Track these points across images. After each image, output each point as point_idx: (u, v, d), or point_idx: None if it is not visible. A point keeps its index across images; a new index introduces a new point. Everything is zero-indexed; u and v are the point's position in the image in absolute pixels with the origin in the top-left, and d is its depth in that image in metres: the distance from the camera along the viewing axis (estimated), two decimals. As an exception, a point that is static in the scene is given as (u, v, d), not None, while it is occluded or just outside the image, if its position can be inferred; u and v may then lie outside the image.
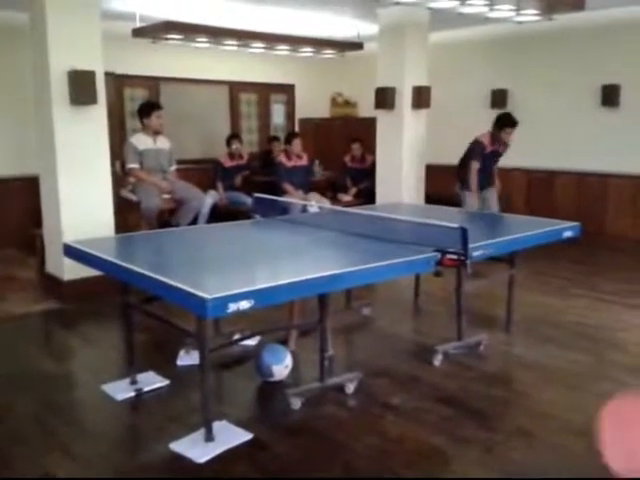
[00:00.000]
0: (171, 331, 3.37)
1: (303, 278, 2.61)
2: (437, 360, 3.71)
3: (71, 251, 3.34)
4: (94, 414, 3.28)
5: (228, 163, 7.60)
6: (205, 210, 6.69)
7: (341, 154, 8.29)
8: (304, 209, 5.82)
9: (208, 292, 2.32)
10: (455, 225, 3.10)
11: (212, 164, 7.65)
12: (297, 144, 7.02)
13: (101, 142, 5.01)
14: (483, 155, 6.01)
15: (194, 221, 5.94)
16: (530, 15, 5.83)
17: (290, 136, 7.35)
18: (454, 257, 3.06)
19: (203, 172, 7.65)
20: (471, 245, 3.07)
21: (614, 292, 5.16)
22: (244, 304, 2.37)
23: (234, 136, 7.82)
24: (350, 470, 2.64)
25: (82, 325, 4.55)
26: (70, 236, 4.28)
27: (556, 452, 2.78)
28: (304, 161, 7.13)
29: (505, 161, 7.86)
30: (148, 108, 5.91)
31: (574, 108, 7.41)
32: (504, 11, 5.60)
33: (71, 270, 4.75)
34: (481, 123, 8.35)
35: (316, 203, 6.35)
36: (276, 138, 8.52)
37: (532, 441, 2.86)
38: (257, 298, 2.41)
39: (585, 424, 3.00)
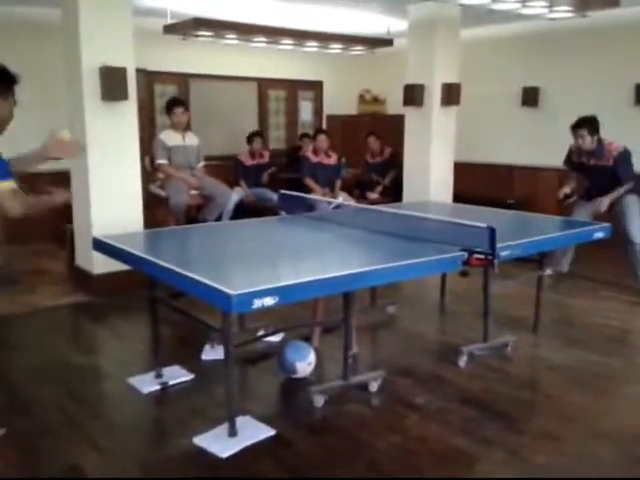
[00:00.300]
0: (197, 326, 3.40)
1: (328, 276, 2.60)
2: (462, 361, 3.68)
3: (100, 245, 3.38)
4: (120, 407, 3.32)
5: (249, 162, 7.61)
6: (230, 207, 6.71)
7: (366, 150, 8.26)
8: (328, 205, 5.80)
9: (233, 288, 2.33)
10: (483, 225, 3.06)
11: (233, 162, 7.66)
12: (322, 140, 6.98)
13: (131, 138, 5.06)
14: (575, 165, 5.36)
15: (218, 217, 5.97)
16: (563, 12, 5.72)
17: (316, 132, 7.34)
18: (481, 257, 3.03)
19: (230, 168, 7.67)
20: (499, 245, 3.04)
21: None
22: (268, 300, 2.37)
23: (255, 134, 7.79)
24: (373, 469, 2.63)
25: (110, 318, 4.61)
26: (99, 230, 4.34)
27: (583, 457, 2.73)
28: (332, 160, 7.07)
29: (537, 160, 7.80)
30: (170, 105, 5.95)
31: (607, 106, 7.23)
32: (537, 7, 5.51)
33: (100, 264, 4.81)
34: (512, 121, 8.31)
35: (343, 200, 6.34)
36: (307, 135, 8.51)
37: (558, 445, 2.81)
38: (282, 295, 2.41)
39: (613, 429, 2.96)
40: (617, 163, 5.05)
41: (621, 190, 5.09)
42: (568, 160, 5.43)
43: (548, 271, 5.04)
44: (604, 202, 5.05)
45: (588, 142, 5.04)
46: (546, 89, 7.87)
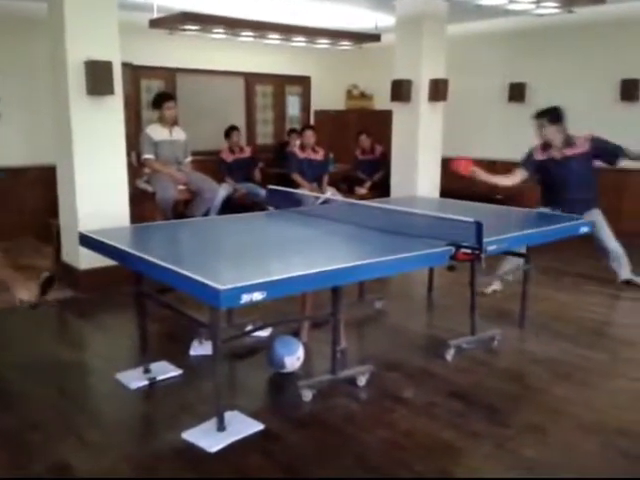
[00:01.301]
0: (185, 321, 3.39)
1: (316, 270, 2.61)
2: (449, 355, 3.70)
3: (86, 240, 3.37)
4: (108, 402, 3.30)
5: (230, 158, 7.59)
6: (217, 202, 6.69)
7: (356, 147, 8.27)
8: (316, 200, 5.81)
9: (221, 283, 2.33)
10: (470, 219, 3.08)
11: (215, 159, 7.62)
12: (309, 135, 6.98)
13: (117, 132, 5.03)
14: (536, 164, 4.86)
15: (206, 213, 5.95)
16: (550, 7, 5.76)
17: (303, 128, 7.34)
18: (468, 251, 3.04)
19: (217, 164, 7.65)
20: (486, 239, 3.06)
21: (629, 288, 5.11)
22: (257, 295, 2.38)
23: (233, 128, 7.73)
24: (361, 463, 2.64)
25: (97, 314, 4.59)
26: (86, 226, 4.31)
27: (568, 449, 2.76)
28: (319, 155, 7.07)
29: (511, 155, 7.84)
30: (159, 99, 5.92)
31: (593, 102, 7.32)
32: (524, 3, 5.55)
33: (87, 259, 4.79)
34: (498, 117, 8.35)
35: (331, 195, 6.35)
36: (294, 130, 8.49)
37: (544, 437, 2.84)
38: (270, 289, 2.42)
39: (598, 421, 2.99)
40: (595, 142, 4.68)
41: (633, 151, 4.66)
42: (527, 160, 4.87)
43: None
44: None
45: (550, 132, 4.66)
46: (532, 85, 7.92)
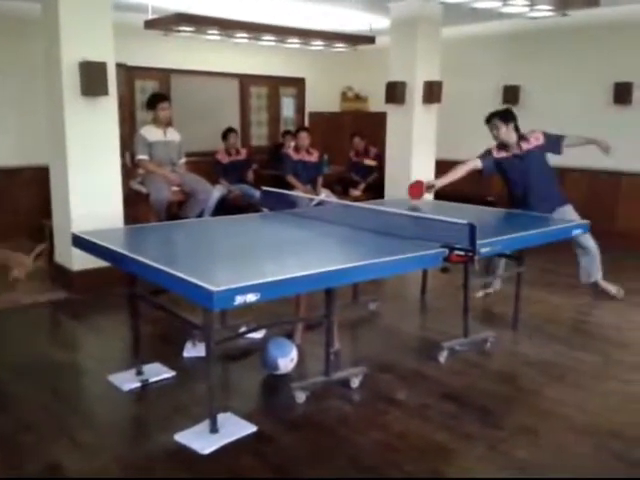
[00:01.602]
0: (178, 323, 3.38)
1: (310, 272, 2.61)
2: (443, 357, 3.71)
3: (80, 241, 3.36)
4: (100, 404, 3.29)
5: (225, 159, 7.58)
6: (211, 203, 6.69)
7: (350, 149, 8.28)
8: (310, 202, 5.81)
9: (215, 284, 2.33)
10: (463, 221, 3.09)
11: (211, 160, 7.62)
12: (303, 137, 7.00)
13: (111, 133, 5.02)
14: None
15: (200, 214, 5.95)
16: (544, 11, 5.79)
17: (298, 129, 7.35)
18: (462, 253, 3.05)
19: (212, 165, 7.65)
20: (479, 241, 3.07)
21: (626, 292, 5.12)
22: (251, 297, 2.38)
23: (230, 130, 7.72)
24: (354, 464, 2.64)
25: (90, 315, 4.57)
26: (79, 227, 4.30)
27: (560, 451, 2.77)
28: (314, 157, 7.09)
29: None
30: (153, 100, 5.91)
31: (586, 105, 7.35)
32: (518, 6, 5.57)
33: (80, 260, 4.77)
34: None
35: (325, 197, 6.35)
36: (289, 132, 8.50)
37: (536, 439, 2.85)
38: (264, 291, 2.42)
39: (590, 423, 3.00)
40: (547, 137, 4.70)
41: (583, 137, 4.83)
42: (487, 156, 4.77)
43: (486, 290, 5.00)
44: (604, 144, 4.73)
45: (503, 132, 4.63)
46: (526, 87, 7.95)
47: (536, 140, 4.70)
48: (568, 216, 4.57)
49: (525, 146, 4.68)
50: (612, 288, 5.02)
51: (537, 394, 3.33)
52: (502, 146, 4.73)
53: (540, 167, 4.71)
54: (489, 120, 4.72)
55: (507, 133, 4.66)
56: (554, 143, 4.72)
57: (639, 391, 3.38)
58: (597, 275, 5.01)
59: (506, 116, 4.69)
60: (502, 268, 4.88)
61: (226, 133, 7.65)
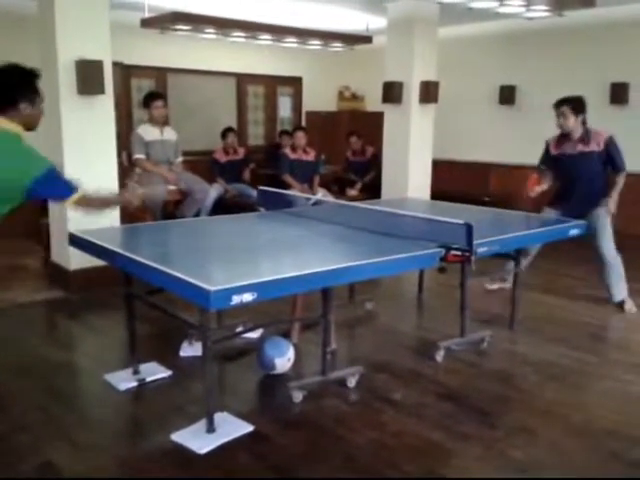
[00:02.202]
0: (175, 322, 3.38)
1: (307, 272, 2.61)
2: (439, 356, 3.71)
3: (76, 240, 3.35)
4: (97, 403, 3.29)
5: (223, 158, 7.59)
6: (208, 203, 6.68)
7: (347, 148, 8.29)
8: (307, 201, 5.80)
9: (212, 284, 2.33)
10: (460, 221, 3.09)
11: (208, 159, 7.62)
12: (300, 137, 7.00)
13: (108, 132, 5.00)
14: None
15: (197, 213, 5.94)
16: (540, 11, 5.80)
17: (295, 129, 7.35)
18: (458, 253, 3.06)
19: (209, 164, 7.64)
20: (476, 241, 3.07)
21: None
22: (247, 296, 2.37)
23: (229, 129, 7.75)
24: (351, 464, 2.64)
25: (86, 315, 4.56)
26: (75, 226, 4.28)
27: (557, 450, 2.77)
28: (310, 156, 7.09)
29: (513, 158, 7.88)
30: (147, 99, 5.90)
31: (584, 105, 7.36)
32: (514, 7, 5.58)
33: (76, 260, 4.76)
34: (489, 119, 8.38)
35: (322, 196, 6.34)
36: (286, 132, 8.49)
37: (533, 439, 2.85)
38: (260, 291, 2.42)
39: (586, 423, 3.01)
40: (610, 147, 4.46)
41: (621, 182, 4.52)
42: (545, 156, 4.76)
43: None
44: (613, 203, 4.51)
45: (571, 122, 4.45)
46: (522, 87, 7.97)
47: (597, 145, 4.50)
48: (599, 220, 4.50)
49: (581, 147, 4.53)
50: (629, 303, 4.70)
51: (534, 394, 3.33)
52: (560, 139, 4.59)
53: (589, 171, 4.55)
54: (559, 105, 4.52)
55: (575, 125, 4.49)
56: (614, 165, 4.54)
57: (637, 391, 3.39)
58: (619, 294, 4.67)
59: (579, 107, 4.49)
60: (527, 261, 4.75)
61: (225, 132, 7.65)
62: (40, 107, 2.83)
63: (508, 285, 4.82)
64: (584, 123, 4.53)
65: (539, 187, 4.63)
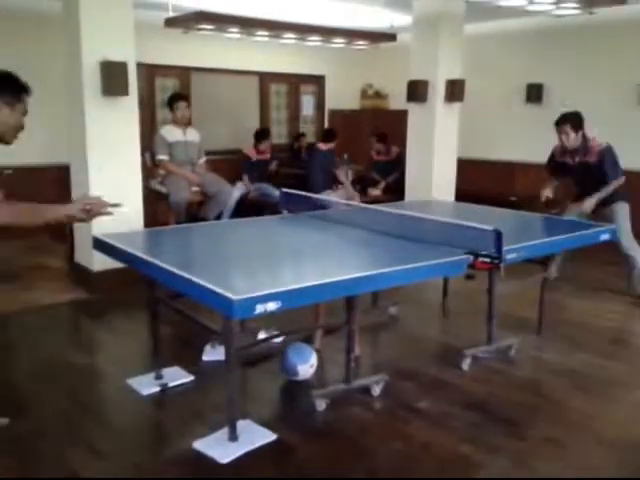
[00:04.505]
0: (197, 326, 3.34)
1: (331, 280, 2.55)
2: (466, 364, 3.64)
3: (100, 244, 3.34)
4: (119, 409, 3.27)
5: (255, 157, 7.56)
6: (231, 203, 6.65)
7: (371, 147, 8.21)
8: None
9: (235, 292, 2.28)
10: (489, 227, 3.01)
11: (239, 156, 7.60)
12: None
13: (131, 134, 5.00)
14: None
15: (219, 214, 5.92)
16: (570, 8, 5.66)
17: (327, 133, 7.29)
18: (487, 260, 2.98)
19: (232, 163, 7.62)
20: (505, 248, 2.98)
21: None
22: (271, 305, 2.32)
23: (266, 134, 7.65)
24: (375, 475, 2.59)
25: (109, 316, 4.56)
26: (99, 228, 4.27)
27: (586, 465, 2.69)
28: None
29: (539, 157, 7.72)
30: (172, 100, 5.90)
31: (610, 105, 7.19)
32: (544, 4, 5.45)
33: (100, 261, 4.74)
34: (516, 118, 8.23)
35: (347, 199, 6.28)
36: (303, 135, 8.44)
37: (561, 452, 2.78)
38: (285, 299, 2.37)
39: (616, 436, 2.92)
40: (602, 159, 4.76)
41: (609, 189, 4.78)
42: (550, 162, 5.15)
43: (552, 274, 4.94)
44: (590, 202, 4.76)
45: (572, 139, 4.76)
46: (550, 86, 7.81)
47: (593, 156, 4.82)
48: (615, 215, 4.79)
49: (579, 159, 4.87)
50: None
51: (562, 404, 3.25)
52: (564, 149, 4.92)
53: (592, 179, 4.84)
54: (560, 124, 4.82)
55: (575, 140, 4.81)
56: (608, 168, 4.79)
57: (669, 402, 3.29)
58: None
59: (578, 123, 4.80)
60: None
61: (261, 137, 7.54)
62: (20, 117, 2.67)
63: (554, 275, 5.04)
64: (583, 136, 4.85)
65: (545, 192, 5.01)
